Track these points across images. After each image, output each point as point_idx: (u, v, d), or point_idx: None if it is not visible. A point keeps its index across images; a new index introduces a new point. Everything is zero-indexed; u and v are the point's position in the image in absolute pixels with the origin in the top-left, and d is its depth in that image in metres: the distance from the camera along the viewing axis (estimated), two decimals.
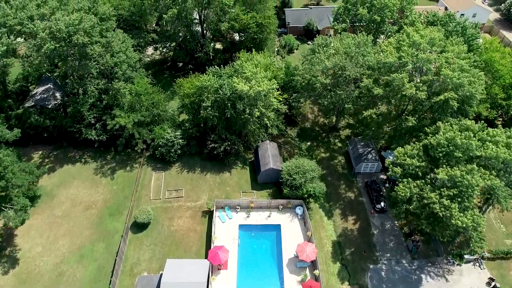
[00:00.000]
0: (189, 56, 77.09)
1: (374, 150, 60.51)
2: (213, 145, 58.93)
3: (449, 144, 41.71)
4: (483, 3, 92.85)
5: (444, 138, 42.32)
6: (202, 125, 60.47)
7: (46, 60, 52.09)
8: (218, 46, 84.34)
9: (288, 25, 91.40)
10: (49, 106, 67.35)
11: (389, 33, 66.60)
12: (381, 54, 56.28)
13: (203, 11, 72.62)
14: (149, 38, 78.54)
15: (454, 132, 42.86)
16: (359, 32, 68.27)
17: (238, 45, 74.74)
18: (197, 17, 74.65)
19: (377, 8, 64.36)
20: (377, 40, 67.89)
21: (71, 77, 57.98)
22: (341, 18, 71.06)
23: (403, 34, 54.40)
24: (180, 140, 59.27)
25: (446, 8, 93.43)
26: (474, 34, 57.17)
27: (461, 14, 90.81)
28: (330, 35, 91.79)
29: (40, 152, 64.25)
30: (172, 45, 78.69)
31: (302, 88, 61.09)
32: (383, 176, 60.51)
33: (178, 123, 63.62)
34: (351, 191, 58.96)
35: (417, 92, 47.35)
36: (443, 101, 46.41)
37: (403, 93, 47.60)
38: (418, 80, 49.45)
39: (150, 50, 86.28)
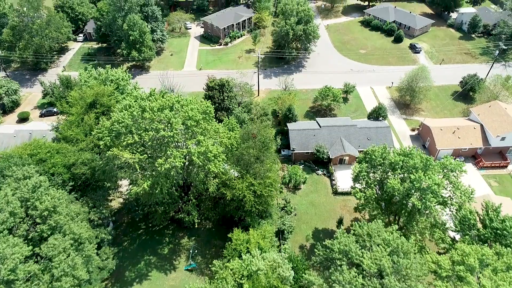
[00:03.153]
0: (168, 217, 60.48)
1: None
2: None
3: None
4: None
5: None
6: None
7: None
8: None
9: (293, 151, 75.26)
10: None
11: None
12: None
13: (185, 169, 56.38)
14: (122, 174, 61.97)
15: None
16: (391, 215, 52.61)
17: (229, 211, 58.20)
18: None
19: (416, 188, 48.13)
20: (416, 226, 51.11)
21: None
22: (363, 182, 54.80)
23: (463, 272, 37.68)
24: None
25: (482, 126, 77.76)
26: None
27: (502, 138, 75.28)
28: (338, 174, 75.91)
29: None
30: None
31: None
32: None
33: None
34: None
35: None
36: None
37: None
38: None
39: (124, 184, 70.13)
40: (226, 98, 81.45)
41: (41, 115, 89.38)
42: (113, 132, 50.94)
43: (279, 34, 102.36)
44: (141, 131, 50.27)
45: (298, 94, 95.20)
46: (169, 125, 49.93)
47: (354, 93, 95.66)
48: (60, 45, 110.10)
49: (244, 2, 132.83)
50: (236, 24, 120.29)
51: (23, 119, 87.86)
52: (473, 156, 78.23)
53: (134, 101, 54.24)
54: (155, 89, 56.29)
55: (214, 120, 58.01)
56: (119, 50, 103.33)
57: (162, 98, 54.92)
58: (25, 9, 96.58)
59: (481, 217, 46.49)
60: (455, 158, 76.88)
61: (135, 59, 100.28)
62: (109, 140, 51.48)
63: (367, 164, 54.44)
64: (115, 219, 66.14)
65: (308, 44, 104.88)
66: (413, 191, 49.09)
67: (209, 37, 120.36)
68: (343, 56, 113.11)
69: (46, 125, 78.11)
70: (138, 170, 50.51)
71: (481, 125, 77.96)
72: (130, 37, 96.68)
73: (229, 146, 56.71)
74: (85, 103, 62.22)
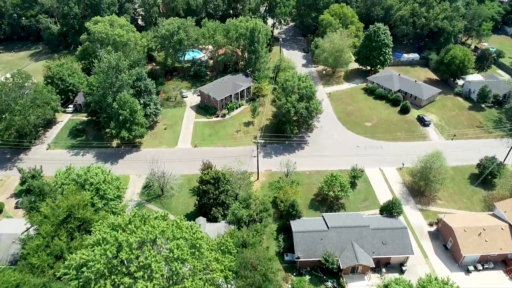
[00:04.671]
0: None
1: None
2: None
3: None
4: None
5: None
6: None
7: None
8: None
9: (298, 259, 65.76)
10: None
11: None
12: None
13: None
14: None
15: None
16: None
17: None
18: None
19: None
20: None
21: None
22: None
23: None
24: None
25: (510, 226, 68.82)
26: None
27: None
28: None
29: None
30: None
31: None
32: None
33: None
34: None
35: None
36: None
37: None
38: None
39: None
40: (222, 192, 73.13)
41: (17, 207, 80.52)
42: (82, 278, 41.82)
43: (280, 112, 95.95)
44: (115, 277, 41.19)
45: (301, 177, 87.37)
46: (149, 269, 40.97)
47: (363, 177, 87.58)
48: (46, 119, 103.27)
49: (242, 67, 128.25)
50: (234, 95, 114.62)
51: None
52: (504, 261, 68.66)
53: (110, 230, 45.73)
54: (135, 213, 47.78)
55: (205, 243, 48.90)
56: (108, 130, 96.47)
57: (144, 223, 46.68)
58: (8, 88, 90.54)
59: None
60: (483, 264, 67.74)
61: (125, 138, 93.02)
62: (76, 286, 42.22)
63: None
64: None
65: (311, 121, 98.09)
66: None
67: (206, 108, 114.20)
68: (348, 129, 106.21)
69: (18, 224, 69.01)
70: None
71: (510, 225, 69.03)
72: (120, 116, 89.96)
73: (223, 279, 47.43)
74: (57, 220, 53.58)
